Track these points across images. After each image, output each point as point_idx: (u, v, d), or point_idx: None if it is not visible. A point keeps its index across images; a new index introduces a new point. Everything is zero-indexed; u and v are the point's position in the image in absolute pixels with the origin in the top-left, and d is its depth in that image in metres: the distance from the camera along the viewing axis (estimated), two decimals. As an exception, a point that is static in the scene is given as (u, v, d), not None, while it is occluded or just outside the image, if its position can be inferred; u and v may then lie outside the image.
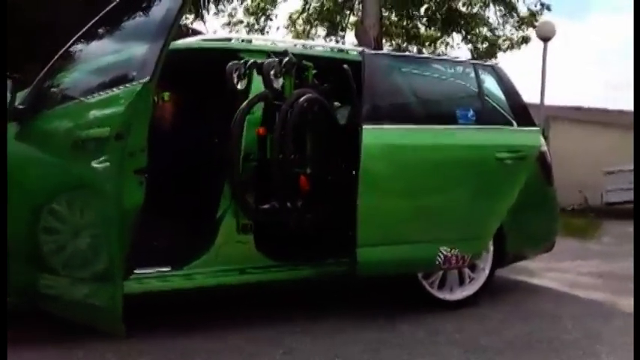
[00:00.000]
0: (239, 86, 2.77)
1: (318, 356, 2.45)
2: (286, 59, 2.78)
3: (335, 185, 2.90)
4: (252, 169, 2.77)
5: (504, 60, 12.93)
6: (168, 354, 2.39)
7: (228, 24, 12.88)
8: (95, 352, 2.31)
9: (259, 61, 2.78)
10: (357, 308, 3.16)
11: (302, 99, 2.74)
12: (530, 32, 12.33)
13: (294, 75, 2.84)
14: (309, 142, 2.85)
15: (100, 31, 2.60)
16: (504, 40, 12.84)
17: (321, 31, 13.29)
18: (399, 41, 13.26)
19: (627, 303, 3.29)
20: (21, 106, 2.36)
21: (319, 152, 2.88)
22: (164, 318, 2.79)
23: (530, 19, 12.38)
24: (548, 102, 9.32)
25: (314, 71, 2.99)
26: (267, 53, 2.97)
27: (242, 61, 2.79)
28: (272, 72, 2.72)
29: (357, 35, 9.50)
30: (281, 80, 2.76)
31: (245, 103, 2.73)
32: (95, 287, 2.09)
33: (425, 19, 13.01)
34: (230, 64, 2.75)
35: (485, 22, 12.87)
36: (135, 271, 2.31)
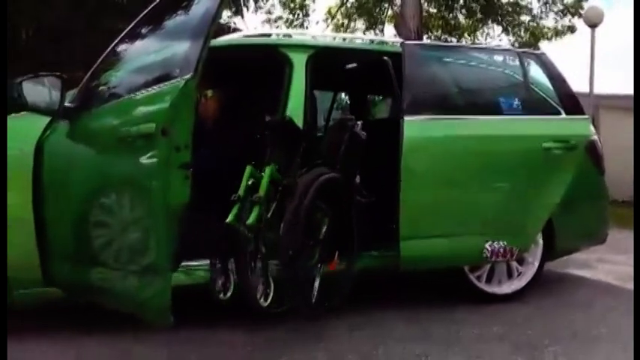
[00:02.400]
0: (226, 295, 2.30)
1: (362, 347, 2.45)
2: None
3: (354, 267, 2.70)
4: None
5: (547, 49, 12.52)
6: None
7: (268, 21, 12.97)
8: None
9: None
10: (397, 302, 3.13)
11: (303, 207, 2.33)
12: (575, 21, 11.93)
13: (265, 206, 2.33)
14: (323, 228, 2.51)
15: (143, 30, 2.64)
16: (547, 30, 12.44)
17: (360, 24, 13.22)
18: (439, 33, 13.06)
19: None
20: (70, 105, 2.44)
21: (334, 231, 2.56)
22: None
23: (576, 6, 11.95)
24: (597, 90, 9.00)
25: (349, 65, 2.90)
26: (300, 46, 2.90)
27: (219, 266, 2.33)
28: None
29: (396, 27, 9.40)
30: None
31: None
32: (144, 280, 2.13)
33: (464, 9, 12.75)
34: (212, 277, 2.31)
35: (527, 11, 12.51)
36: (182, 264, 2.34)
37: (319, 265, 2.51)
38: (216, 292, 2.22)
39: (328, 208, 2.51)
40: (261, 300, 2.20)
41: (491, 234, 2.91)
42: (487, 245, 2.90)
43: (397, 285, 3.41)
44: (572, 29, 12.21)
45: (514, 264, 3.21)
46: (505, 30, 12.61)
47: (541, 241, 3.26)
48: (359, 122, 2.69)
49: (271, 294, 2.23)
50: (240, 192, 2.26)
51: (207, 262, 2.61)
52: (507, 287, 3.21)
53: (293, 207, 2.27)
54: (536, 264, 3.27)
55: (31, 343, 2.42)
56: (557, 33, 12.41)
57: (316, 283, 2.48)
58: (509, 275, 3.23)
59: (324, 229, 2.50)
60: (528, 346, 2.53)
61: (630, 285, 3.63)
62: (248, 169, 2.31)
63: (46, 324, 2.64)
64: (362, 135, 2.67)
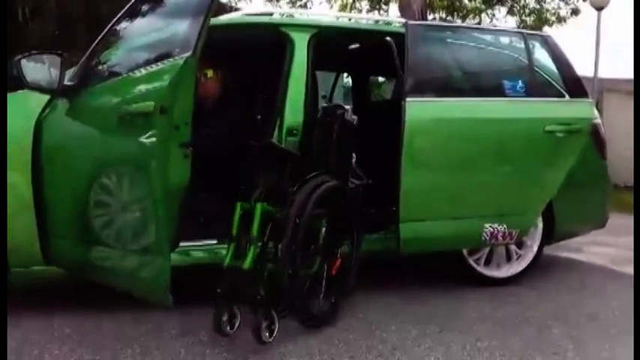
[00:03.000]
0: (232, 329, 2.26)
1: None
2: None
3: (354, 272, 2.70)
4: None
5: (553, 32, 12.37)
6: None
7: (270, 0, 12.81)
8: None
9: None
10: (396, 284, 3.14)
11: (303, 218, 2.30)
12: (581, 4, 11.78)
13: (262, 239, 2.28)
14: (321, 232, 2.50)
15: (143, 8, 2.62)
16: (551, 14, 12.27)
17: (364, 4, 13.06)
18: (443, 14, 12.90)
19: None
20: (69, 83, 2.42)
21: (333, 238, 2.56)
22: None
23: None
24: (602, 74, 8.93)
25: (352, 45, 2.82)
26: (302, 26, 2.87)
27: (223, 301, 2.26)
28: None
29: (400, 8, 9.28)
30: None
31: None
32: (144, 259, 2.14)
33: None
34: (217, 312, 2.24)
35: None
36: (180, 244, 2.34)
37: (322, 269, 2.51)
38: (221, 326, 2.22)
39: (326, 210, 2.49)
40: (266, 334, 2.21)
41: (491, 217, 2.91)
42: (486, 228, 2.90)
43: (395, 267, 3.42)
44: (575, 12, 12.04)
45: (513, 247, 3.22)
46: (510, 12, 12.45)
47: (541, 225, 3.26)
48: (348, 107, 2.66)
49: (276, 329, 2.24)
50: (234, 231, 2.25)
51: (207, 242, 2.63)
52: (506, 271, 3.22)
53: (290, 230, 2.26)
54: (536, 247, 3.27)
55: (31, 321, 2.44)
56: (560, 19, 12.24)
57: (322, 286, 2.49)
58: (508, 258, 3.24)
59: (322, 232, 2.49)
60: (527, 328, 2.54)
61: (628, 269, 3.65)
62: (238, 205, 2.27)
63: (44, 302, 2.66)
64: (353, 120, 2.64)
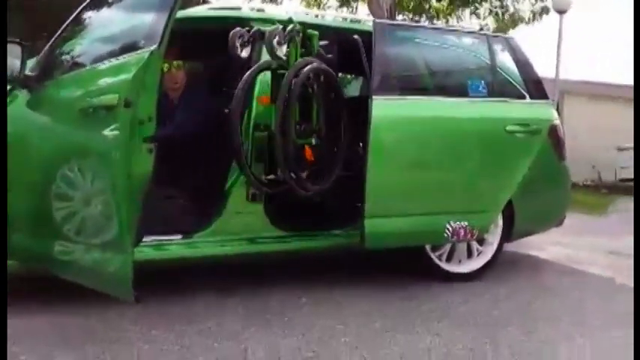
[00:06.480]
0: (243, 53, 2.62)
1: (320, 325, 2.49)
2: (290, 27, 2.65)
3: (340, 157, 2.84)
4: (261, 139, 2.72)
5: (518, 33, 12.63)
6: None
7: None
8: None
9: (263, 28, 2.64)
10: (361, 279, 3.18)
11: (307, 68, 2.64)
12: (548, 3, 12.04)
13: (300, 44, 2.73)
14: (314, 112, 2.77)
15: (108, -1, 2.58)
16: (509, 17, 12.51)
17: (334, 1, 13.07)
18: (411, 15, 13.01)
19: (623, 281, 3.40)
20: (31, 73, 2.37)
21: (324, 123, 2.80)
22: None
23: None
24: (562, 76, 9.18)
25: (321, 42, 2.94)
26: (272, 21, 2.92)
27: (246, 29, 2.64)
28: (275, 40, 2.58)
29: (370, 6, 9.34)
30: (285, 48, 2.64)
31: (248, 73, 2.62)
32: (106, 254, 2.12)
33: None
34: (234, 31, 2.58)
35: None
36: (143, 240, 2.33)
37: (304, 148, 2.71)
38: (235, 49, 2.55)
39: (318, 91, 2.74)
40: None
41: (453, 214, 2.98)
42: (448, 225, 2.96)
43: (358, 263, 3.46)
44: (546, 10, 12.30)
45: (474, 244, 3.30)
46: (473, 14, 12.63)
47: (501, 222, 3.35)
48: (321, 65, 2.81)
49: None
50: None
51: (173, 237, 2.62)
52: (467, 266, 3.29)
53: (291, 75, 2.59)
54: (496, 244, 3.36)
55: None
56: (521, 19, 12.47)
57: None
58: (469, 255, 3.31)
59: (315, 123, 2.75)
60: (487, 324, 2.60)
61: (586, 267, 3.78)
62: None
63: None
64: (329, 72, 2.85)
